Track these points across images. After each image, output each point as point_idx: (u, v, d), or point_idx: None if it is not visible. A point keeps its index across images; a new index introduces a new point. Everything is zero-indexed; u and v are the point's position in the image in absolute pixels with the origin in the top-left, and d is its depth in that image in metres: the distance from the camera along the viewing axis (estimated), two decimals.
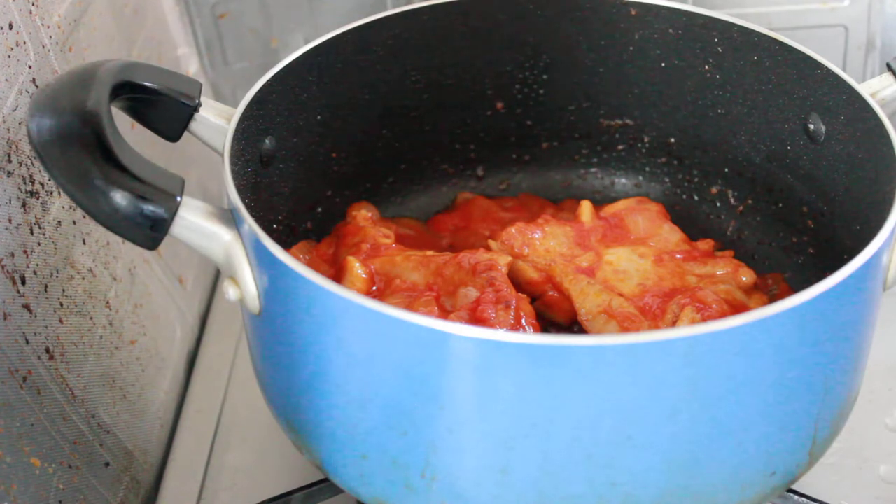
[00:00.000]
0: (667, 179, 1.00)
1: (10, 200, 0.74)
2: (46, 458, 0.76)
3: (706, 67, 0.91)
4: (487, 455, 0.65)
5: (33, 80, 0.79)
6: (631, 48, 0.94)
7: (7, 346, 0.73)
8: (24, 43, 0.78)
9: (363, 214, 0.90)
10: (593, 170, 1.02)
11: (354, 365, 0.66)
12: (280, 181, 0.86)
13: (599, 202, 0.95)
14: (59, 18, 0.84)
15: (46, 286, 0.78)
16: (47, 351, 0.77)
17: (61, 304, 0.80)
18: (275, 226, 0.87)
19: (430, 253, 0.85)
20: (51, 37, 0.82)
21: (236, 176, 0.73)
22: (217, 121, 0.77)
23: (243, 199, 0.69)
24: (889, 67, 0.81)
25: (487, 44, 0.95)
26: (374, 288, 0.83)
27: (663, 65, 0.93)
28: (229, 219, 0.69)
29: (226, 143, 0.74)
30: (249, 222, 0.67)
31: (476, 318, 0.77)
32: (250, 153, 0.80)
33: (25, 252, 0.76)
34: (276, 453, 0.91)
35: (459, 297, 0.79)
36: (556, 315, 0.86)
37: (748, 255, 0.95)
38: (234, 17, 1.13)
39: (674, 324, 0.81)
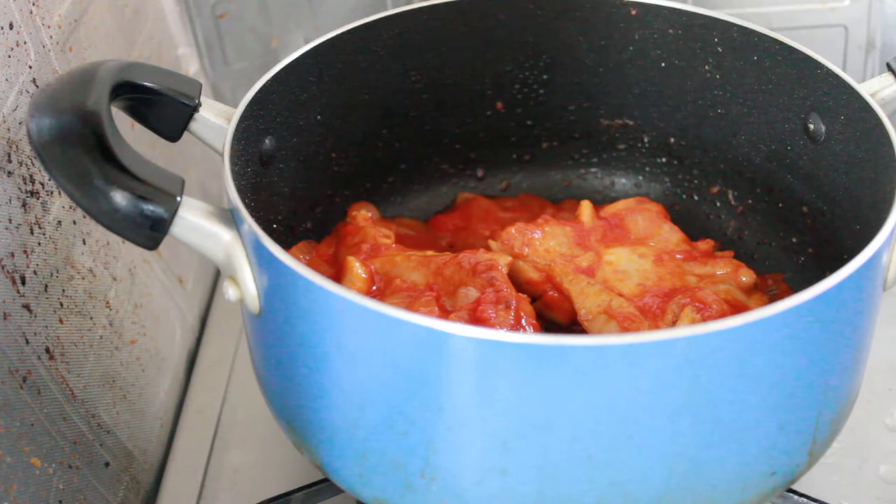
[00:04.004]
0: (667, 179, 1.00)
1: (10, 200, 0.74)
2: (46, 458, 0.76)
3: (706, 67, 0.91)
4: (487, 455, 0.65)
5: (33, 80, 0.79)
6: (631, 48, 0.94)
7: (7, 346, 0.73)
8: (25, 43, 0.78)
9: (363, 214, 0.90)
10: (593, 170, 1.02)
11: (354, 365, 0.66)
12: (280, 181, 0.86)
13: (599, 202, 0.95)
14: (59, 18, 0.84)
15: (46, 286, 0.78)
16: (47, 351, 0.77)
17: (61, 304, 0.80)
18: (275, 226, 0.87)
19: (430, 253, 0.85)
20: (51, 37, 0.82)
21: (236, 176, 0.73)
22: (217, 121, 0.77)
23: (243, 199, 0.69)
24: (889, 67, 0.81)
25: (487, 44, 0.95)
26: (374, 288, 0.83)
27: (663, 65, 0.93)
28: (229, 219, 0.69)
29: (226, 143, 0.74)
30: (249, 222, 0.67)
31: (476, 318, 0.77)
32: (250, 153, 0.80)
33: (25, 252, 0.76)
34: (276, 453, 0.91)
35: (459, 297, 0.79)
36: (556, 315, 0.86)
37: (748, 255, 0.95)
38: (234, 17, 1.13)
39: (674, 324, 0.81)
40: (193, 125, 0.77)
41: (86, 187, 0.64)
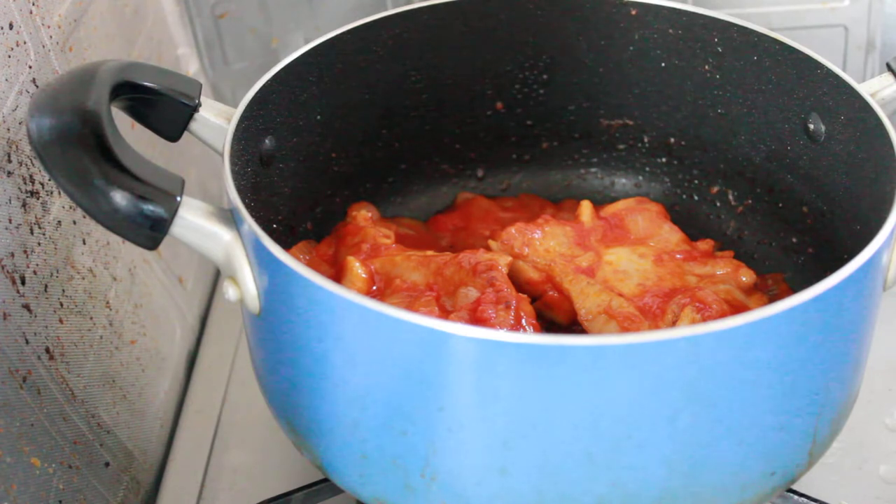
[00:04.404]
0: (667, 179, 1.00)
1: (10, 200, 0.74)
2: (46, 458, 0.76)
3: (706, 67, 0.91)
4: (487, 455, 0.65)
5: (33, 80, 0.79)
6: (631, 48, 0.94)
7: (7, 346, 0.73)
8: (25, 43, 0.78)
9: (363, 214, 0.90)
10: (593, 170, 1.02)
11: (354, 365, 0.66)
12: (280, 181, 0.86)
13: (599, 202, 0.95)
14: (59, 18, 0.84)
15: (46, 286, 0.78)
16: (47, 351, 0.77)
17: (61, 304, 0.80)
18: (275, 226, 0.87)
19: (430, 253, 0.85)
20: (51, 37, 0.82)
21: (236, 176, 0.73)
22: (217, 121, 0.77)
23: (243, 199, 0.69)
24: (889, 67, 0.81)
25: (487, 44, 0.95)
26: (374, 288, 0.83)
27: (663, 65, 0.93)
28: (229, 219, 0.70)
29: (226, 143, 0.74)
30: (249, 222, 0.67)
31: (476, 318, 0.77)
32: (250, 153, 0.80)
33: (25, 252, 0.76)
34: (276, 453, 0.91)
35: (459, 297, 0.79)
36: (556, 315, 0.86)
37: (748, 255, 0.95)
38: (234, 17, 1.13)
39: (674, 324, 0.81)
40: (193, 125, 0.77)
41: (86, 187, 0.64)
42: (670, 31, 0.91)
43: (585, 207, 0.92)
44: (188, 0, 1.11)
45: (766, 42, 0.85)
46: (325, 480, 0.81)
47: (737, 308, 0.82)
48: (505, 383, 0.62)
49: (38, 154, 0.64)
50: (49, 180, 0.80)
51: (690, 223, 0.96)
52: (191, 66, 1.14)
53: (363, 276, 0.83)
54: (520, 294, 0.79)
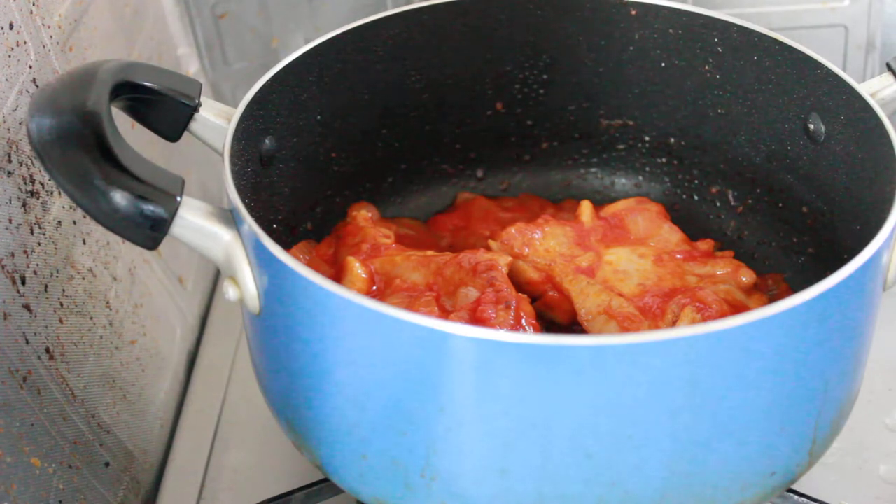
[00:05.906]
0: (667, 179, 1.00)
1: (10, 200, 0.74)
2: (46, 458, 0.76)
3: (706, 67, 0.91)
4: (487, 455, 0.65)
5: (33, 80, 0.79)
6: (631, 48, 0.94)
7: (7, 346, 0.73)
8: (25, 43, 0.78)
9: (363, 214, 0.90)
10: (593, 170, 1.02)
11: (354, 365, 0.66)
12: (280, 181, 0.86)
13: (599, 202, 0.95)
14: (59, 18, 0.84)
15: (46, 286, 0.78)
16: (47, 351, 0.77)
17: (61, 304, 0.80)
18: (275, 226, 0.87)
19: (430, 253, 0.85)
20: (51, 37, 0.82)
21: (236, 176, 0.73)
22: (217, 121, 0.77)
23: (243, 199, 0.69)
24: (889, 67, 0.81)
25: (487, 44, 0.95)
26: (374, 288, 0.83)
27: (663, 65, 0.93)
28: (229, 219, 0.70)
29: (226, 143, 0.74)
30: (249, 222, 0.67)
31: (476, 318, 0.77)
32: (250, 153, 0.80)
33: (25, 252, 0.76)
34: (276, 453, 0.91)
35: (459, 297, 0.79)
36: (556, 315, 0.86)
37: (748, 255, 0.95)
38: (234, 17, 1.13)
39: (674, 324, 0.81)
40: (193, 125, 0.77)
41: (86, 187, 0.64)
42: (670, 31, 0.91)
43: (585, 207, 0.92)
44: (188, 0, 1.11)
45: (766, 42, 0.85)
46: (325, 480, 0.81)
47: (737, 308, 0.82)
48: (505, 383, 0.62)
49: (38, 154, 0.64)
50: (49, 180, 0.80)
51: (690, 223, 0.96)
52: (191, 66, 1.14)
53: (363, 276, 0.83)
54: (520, 294, 0.79)
